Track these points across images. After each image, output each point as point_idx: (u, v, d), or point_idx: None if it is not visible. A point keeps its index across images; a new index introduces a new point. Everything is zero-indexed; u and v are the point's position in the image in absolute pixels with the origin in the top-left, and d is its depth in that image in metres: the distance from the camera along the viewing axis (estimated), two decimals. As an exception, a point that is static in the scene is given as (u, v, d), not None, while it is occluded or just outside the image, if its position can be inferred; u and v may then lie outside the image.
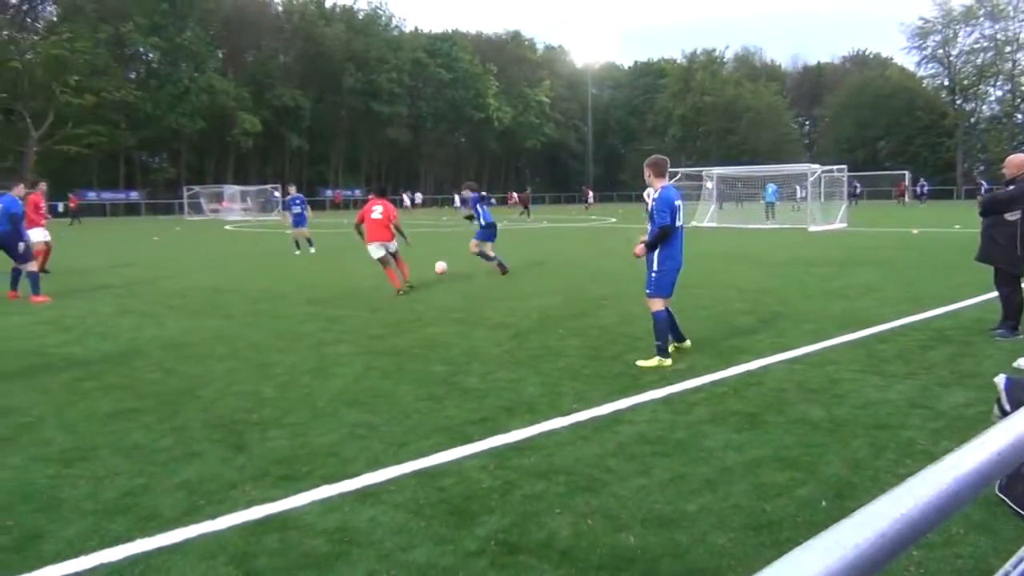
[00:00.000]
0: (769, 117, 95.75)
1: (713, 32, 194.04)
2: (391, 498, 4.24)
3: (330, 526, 3.90)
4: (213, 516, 4.02)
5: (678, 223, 7.27)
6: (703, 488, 4.29)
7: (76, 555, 3.63)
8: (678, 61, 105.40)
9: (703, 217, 34.16)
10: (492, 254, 15.55)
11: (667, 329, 7.27)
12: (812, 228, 29.00)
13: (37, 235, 15.04)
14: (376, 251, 13.21)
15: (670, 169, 7.71)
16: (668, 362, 7.20)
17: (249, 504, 4.17)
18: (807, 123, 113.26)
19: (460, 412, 5.85)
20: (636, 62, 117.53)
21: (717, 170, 37.20)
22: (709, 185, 36.25)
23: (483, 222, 15.38)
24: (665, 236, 7.16)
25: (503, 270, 15.21)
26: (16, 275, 13.31)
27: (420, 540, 3.73)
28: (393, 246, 13.42)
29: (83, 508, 4.19)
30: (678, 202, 7.29)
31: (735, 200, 41.89)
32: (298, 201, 22.51)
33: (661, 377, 6.76)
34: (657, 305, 7.27)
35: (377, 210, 13.34)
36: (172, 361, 7.87)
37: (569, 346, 8.24)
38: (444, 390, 6.53)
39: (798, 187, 41.33)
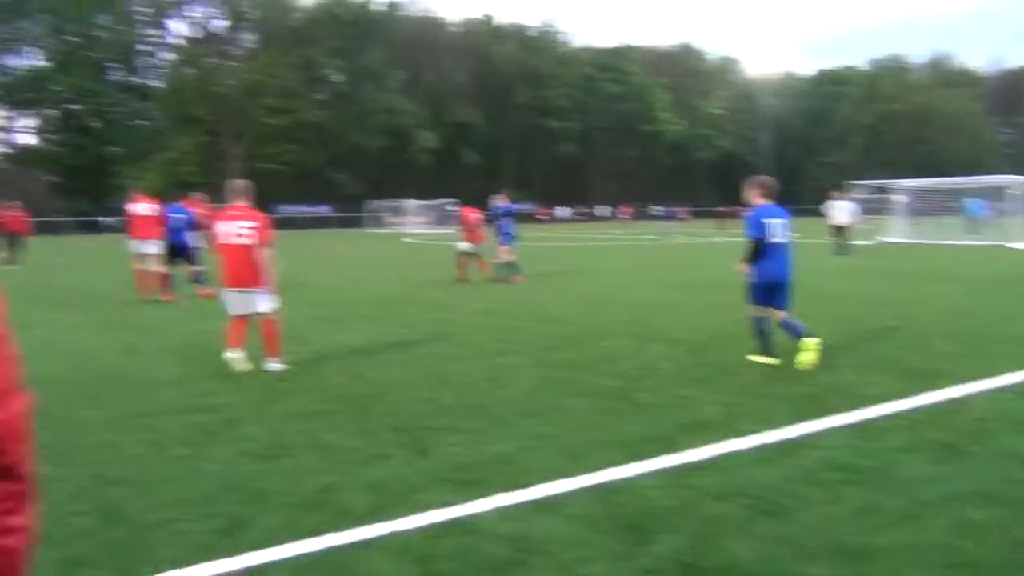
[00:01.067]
0: (964, 125, 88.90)
1: (900, 37, 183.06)
2: (567, 510, 4.27)
3: (508, 533, 3.97)
4: (398, 517, 4.19)
5: (775, 239, 7.84)
6: (898, 521, 4.04)
7: (276, 543, 3.89)
8: (862, 68, 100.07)
9: (889, 232, 32.21)
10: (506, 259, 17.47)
11: (758, 332, 7.99)
12: (1012, 245, 26.62)
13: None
14: (465, 246, 17.56)
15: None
16: (774, 361, 7.80)
17: (430, 507, 4.32)
18: (1009, 132, 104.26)
19: (635, 428, 5.81)
20: (817, 70, 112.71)
21: (902, 182, 35.11)
22: (895, 198, 34.17)
23: (507, 230, 17.51)
24: (754, 249, 7.84)
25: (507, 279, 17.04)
26: (203, 276, 14.99)
27: (597, 554, 3.73)
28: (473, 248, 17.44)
29: (282, 501, 4.49)
30: (767, 219, 7.84)
31: (926, 214, 39.19)
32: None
33: (850, 401, 6.42)
34: (750, 311, 8.11)
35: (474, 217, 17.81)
36: (359, 367, 8.29)
37: (747, 364, 8.00)
38: (618, 405, 6.50)
39: (987, 202, 38.12)
